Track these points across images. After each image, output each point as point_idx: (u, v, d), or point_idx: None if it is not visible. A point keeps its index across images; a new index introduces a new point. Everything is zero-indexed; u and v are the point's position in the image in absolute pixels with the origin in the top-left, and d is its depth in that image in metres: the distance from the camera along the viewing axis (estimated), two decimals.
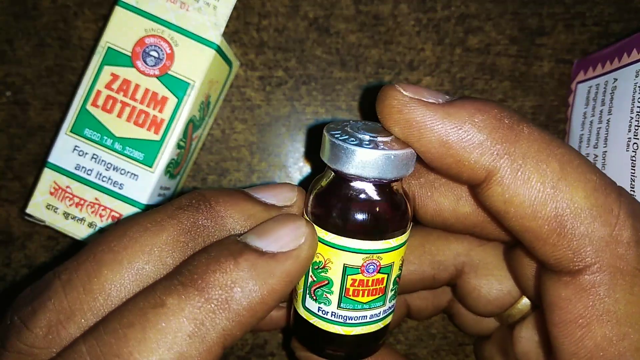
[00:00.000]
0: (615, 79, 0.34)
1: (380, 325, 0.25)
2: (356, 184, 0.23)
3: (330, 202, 0.23)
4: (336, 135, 0.22)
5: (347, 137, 0.22)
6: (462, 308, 0.32)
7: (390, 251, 0.23)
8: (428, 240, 0.29)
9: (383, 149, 0.22)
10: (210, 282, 0.19)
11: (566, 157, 0.21)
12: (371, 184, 0.23)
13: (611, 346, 0.20)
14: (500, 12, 0.39)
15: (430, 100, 0.21)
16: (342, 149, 0.22)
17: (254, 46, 0.39)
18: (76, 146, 0.32)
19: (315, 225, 0.23)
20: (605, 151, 0.34)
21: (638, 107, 0.32)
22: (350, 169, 0.22)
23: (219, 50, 0.33)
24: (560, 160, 0.20)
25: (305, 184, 0.39)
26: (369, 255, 0.23)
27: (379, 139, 0.22)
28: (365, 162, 0.21)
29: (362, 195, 0.23)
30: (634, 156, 0.32)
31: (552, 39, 0.39)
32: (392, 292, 0.25)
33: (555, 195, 0.20)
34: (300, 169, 0.40)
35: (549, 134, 0.21)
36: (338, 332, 0.24)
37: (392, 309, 0.26)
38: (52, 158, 0.32)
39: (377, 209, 0.23)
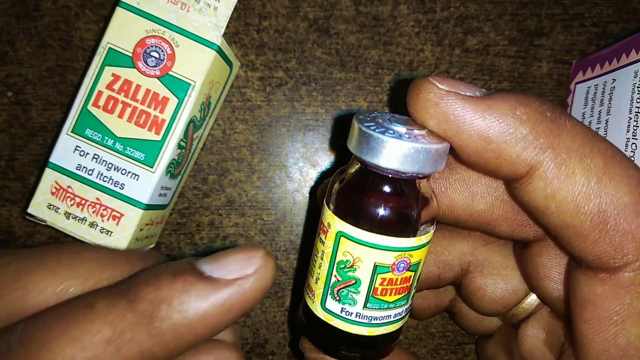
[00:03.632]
0: (614, 80, 0.34)
1: (401, 323, 0.25)
2: (391, 178, 0.22)
3: (361, 198, 0.22)
4: (371, 127, 0.21)
5: (382, 129, 0.21)
6: (464, 307, 0.32)
7: (421, 248, 0.23)
8: (433, 240, 0.28)
9: (423, 142, 0.21)
10: (141, 295, 0.19)
11: (609, 152, 0.20)
12: (406, 178, 0.22)
13: None
14: (499, 13, 0.39)
15: (468, 94, 0.20)
16: (380, 141, 0.20)
17: (254, 47, 0.39)
18: (77, 146, 0.32)
19: (344, 222, 0.22)
20: None
21: (637, 107, 0.32)
22: (389, 163, 0.21)
23: (219, 51, 0.33)
24: (603, 155, 0.20)
25: (305, 184, 0.40)
26: (401, 253, 0.22)
27: (415, 131, 0.21)
28: (406, 156, 0.20)
29: (397, 190, 0.22)
30: (632, 156, 0.32)
31: (551, 40, 0.39)
32: (415, 290, 0.24)
33: (599, 191, 0.19)
34: (300, 169, 0.40)
35: (589, 129, 0.20)
36: (362, 334, 0.24)
37: (411, 306, 0.25)
38: (54, 158, 0.32)
39: (412, 205, 0.22)
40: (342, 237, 0.22)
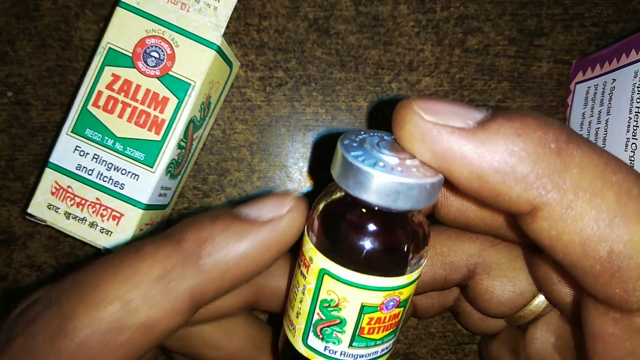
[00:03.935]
0: (614, 80, 0.34)
1: (387, 356, 0.23)
2: (379, 213, 0.20)
3: (347, 234, 0.20)
4: (359, 158, 0.19)
5: (371, 159, 0.19)
6: (468, 306, 0.31)
7: (411, 284, 0.21)
8: (439, 241, 0.28)
9: (417, 175, 0.18)
10: (185, 236, 0.20)
11: (624, 185, 0.18)
12: (398, 213, 0.20)
13: None
14: (499, 13, 0.39)
15: (458, 125, 0.18)
16: (369, 175, 0.18)
17: (254, 47, 0.39)
18: (77, 146, 0.32)
19: (328, 259, 0.20)
20: None
21: (636, 107, 0.32)
22: (379, 199, 0.18)
23: (219, 51, 0.33)
24: (617, 190, 0.18)
25: (305, 184, 0.40)
26: (390, 291, 0.20)
27: (408, 161, 0.19)
28: (398, 192, 0.18)
29: (388, 227, 0.20)
30: (632, 156, 0.32)
31: (551, 40, 0.39)
32: (403, 321, 0.23)
33: (610, 235, 0.17)
34: (300, 169, 0.40)
35: (602, 154, 0.18)
36: None
37: (399, 334, 0.24)
38: (54, 158, 0.32)
39: (403, 242, 0.21)
40: (325, 275, 0.21)
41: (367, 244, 0.20)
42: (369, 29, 0.39)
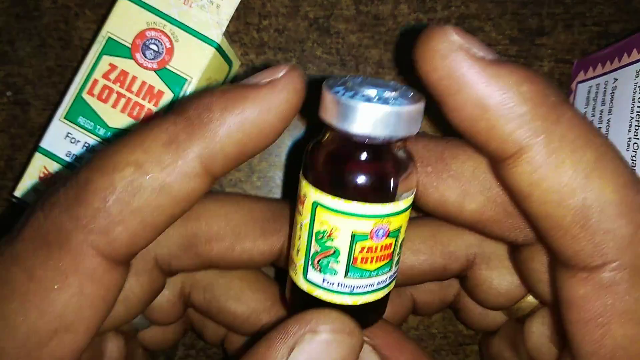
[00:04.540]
0: (616, 79, 0.34)
1: (385, 291, 0.24)
2: (364, 144, 0.21)
3: (335, 165, 0.22)
4: (340, 92, 0.21)
5: (352, 93, 0.21)
6: (468, 302, 0.31)
7: (399, 214, 0.22)
8: (440, 231, 0.28)
9: (394, 104, 0.20)
10: (187, 107, 0.21)
11: (603, 148, 0.19)
12: (380, 143, 0.21)
13: (632, 345, 0.20)
14: (500, 13, 0.39)
15: (480, 54, 0.19)
16: (349, 106, 0.20)
17: (254, 46, 0.39)
18: (69, 133, 0.32)
19: (319, 191, 0.22)
20: None
21: (638, 107, 0.32)
22: (359, 128, 0.20)
23: (219, 49, 0.33)
24: (597, 150, 0.19)
25: None
26: (379, 219, 0.22)
27: (387, 93, 0.21)
28: (377, 120, 0.20)
29: (372, 156, 0.21)
30: (634, 156, 0.32)
31: (552, 39, 0.39)
32: (398, 257, 0.24)
33: (586, 186, 0.19)
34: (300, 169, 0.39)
35: (588, 122, 0.20)
36: (345, 303, 0.23)
37: (397, 273, 0.25)
38: (44, 143, 0.32)
39: (388, 170, 0.22)
40: (318, 207, 0.22)
41: (353, 172, 0.21)
42: (369, 28, 0.39)
